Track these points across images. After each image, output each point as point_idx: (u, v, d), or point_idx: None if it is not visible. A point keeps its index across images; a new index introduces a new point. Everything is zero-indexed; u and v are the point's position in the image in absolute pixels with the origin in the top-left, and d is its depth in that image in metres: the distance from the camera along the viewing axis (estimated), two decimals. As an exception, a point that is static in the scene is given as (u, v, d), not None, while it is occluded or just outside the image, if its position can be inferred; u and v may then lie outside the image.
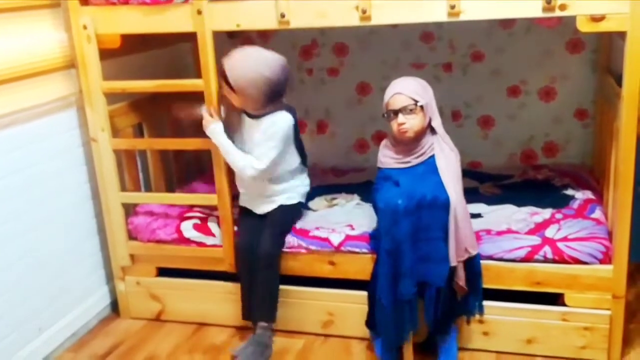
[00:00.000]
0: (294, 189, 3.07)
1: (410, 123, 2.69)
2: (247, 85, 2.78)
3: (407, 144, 2.76)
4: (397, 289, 2.63)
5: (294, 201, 3.07)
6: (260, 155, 2.87)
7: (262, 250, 2.90)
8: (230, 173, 3.00)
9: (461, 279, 2.67)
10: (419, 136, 2.73)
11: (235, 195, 3.12)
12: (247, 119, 2.96)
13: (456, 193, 2.63)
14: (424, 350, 2.80)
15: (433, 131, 2.77)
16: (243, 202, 3.15)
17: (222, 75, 2.84)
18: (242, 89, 2.79)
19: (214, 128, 2.89)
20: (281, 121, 2.88)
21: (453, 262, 2.63)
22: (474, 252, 2.68)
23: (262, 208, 3.05)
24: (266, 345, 2.87)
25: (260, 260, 2.89)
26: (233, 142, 2.92)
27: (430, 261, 2.63)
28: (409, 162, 2.77)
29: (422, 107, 2.68)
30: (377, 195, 2.77)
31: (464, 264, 2.67)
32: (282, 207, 3.03)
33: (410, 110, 2.67)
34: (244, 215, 3.12)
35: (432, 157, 2.75)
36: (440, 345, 2.76)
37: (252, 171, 2.88)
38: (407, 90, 2.69)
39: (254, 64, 2.79)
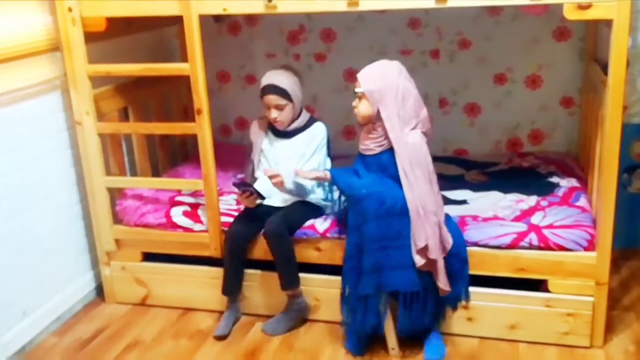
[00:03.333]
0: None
1: (359, 107, 2.70)
2: (300, 93, 3.00)
3: (367, 130, 2.75)
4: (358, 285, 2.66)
5: (315, 203, 3.09)
6: (318, 166, 3.05)
7: (269, 229, 2.91)
8: (220, 160, 3.01)
9: (442, 281, 2.67)
10: (368, 123, 2.72)
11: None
12: (277, 141, 3.07)
13: (415, 192, 2.60)
14: (412, 337, 2.81)
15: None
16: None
17: (277, 92, 2.92)
18: (298, 98, 3.00)
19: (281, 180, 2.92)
20: (322, 131, 3.06)
21: (418, 264, 2.63)
22: (434, 257, 2.64)
23: (284, 202, 3.04)
24: (298, 311, 3.01)
25: (269, 238, 2.91)
26: (257, 166, 3.11)
27: (399, 268, 2.63)
28: (372, 149, 2.74)
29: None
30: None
31: (445, 265, 2.67)
32: (301, 201, 3.05)
33: (358, 96, 2.69)
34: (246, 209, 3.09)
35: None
36: (425, 340, 2.79)
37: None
38: (360, 76, 2.70)
39: (292, 73, 3.03)
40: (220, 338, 2.97)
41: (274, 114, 2.97)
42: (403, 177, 2.63)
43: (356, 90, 2.70)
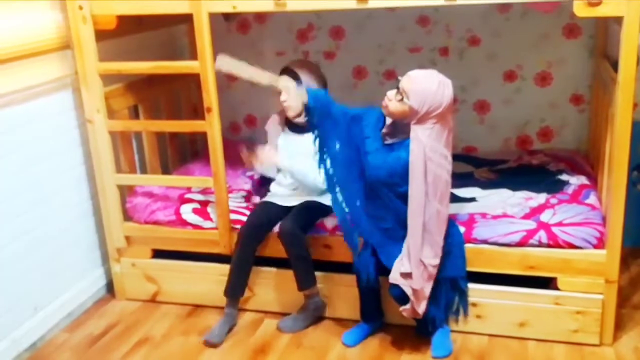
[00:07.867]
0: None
1: (391, 103, 2.57)
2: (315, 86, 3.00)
3: (395, 126, 2.65)
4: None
5: (327, 202, 3.05)
6: None
7: (283, 229, 2.90)
8: (229, 158, 3.01)
9: (419, 305, 2.64)
10: (396, 121, 2.63)
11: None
12: (293, 136, 3.07)
13: (416, 217, 2.58)
14: (418, 334, 2.82)
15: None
16: (272, 197, 3.13)
17: (291, 75, 2.95)
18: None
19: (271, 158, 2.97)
20: None
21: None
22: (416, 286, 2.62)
23: (294, 201, 3.03)
24: (314, 310, 3.00)
25: (284, 239, 2.90)
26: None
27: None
28: (385, 140, 2.69)
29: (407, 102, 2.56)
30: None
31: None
32: (311, 201, 3.03)
33: (398, 93, 2.54)
34: (264, 202, 3.11)
35: (406, 141, 2.59)
36: (432, 337, 2.79)
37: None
38: (415, 81, 2.53)
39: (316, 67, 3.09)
40: (212, 345, 2.91)
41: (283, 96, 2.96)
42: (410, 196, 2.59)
43: (406, 101, 2.52)
